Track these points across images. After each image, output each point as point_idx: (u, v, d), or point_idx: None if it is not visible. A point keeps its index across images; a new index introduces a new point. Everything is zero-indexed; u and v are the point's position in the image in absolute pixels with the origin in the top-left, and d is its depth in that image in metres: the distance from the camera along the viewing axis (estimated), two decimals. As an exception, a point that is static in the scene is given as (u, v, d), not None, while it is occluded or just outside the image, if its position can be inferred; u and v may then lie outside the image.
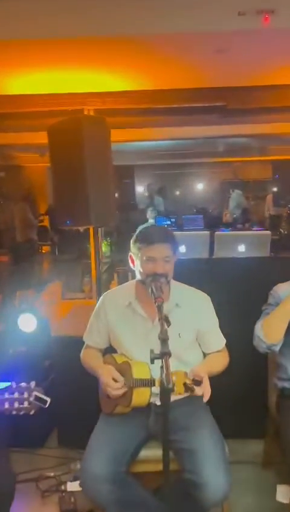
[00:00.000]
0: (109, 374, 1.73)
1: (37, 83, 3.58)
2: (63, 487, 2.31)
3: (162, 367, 1.32)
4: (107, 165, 2.69)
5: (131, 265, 1.83)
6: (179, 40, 3.05)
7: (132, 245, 1.80)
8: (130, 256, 1.83)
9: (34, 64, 3.10)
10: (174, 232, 1.95)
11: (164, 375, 1.29)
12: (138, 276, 1.80)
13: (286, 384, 2.05)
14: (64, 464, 2.53)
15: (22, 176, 9.82)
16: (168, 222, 6.49)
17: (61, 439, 2.72)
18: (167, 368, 1.30)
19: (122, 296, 1.89)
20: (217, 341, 1.94)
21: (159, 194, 8.99)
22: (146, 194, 9.37)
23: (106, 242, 6.71)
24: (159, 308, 1.52)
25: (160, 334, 1.39)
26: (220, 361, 1.90)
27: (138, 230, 1.83)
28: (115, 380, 1.71)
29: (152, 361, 1.35)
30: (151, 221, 6.93)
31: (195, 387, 1.56)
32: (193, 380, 1.56)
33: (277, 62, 3.49)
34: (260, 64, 3.54)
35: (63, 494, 2.23)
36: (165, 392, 1.30)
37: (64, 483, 2.34)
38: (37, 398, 1.50)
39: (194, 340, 1.90)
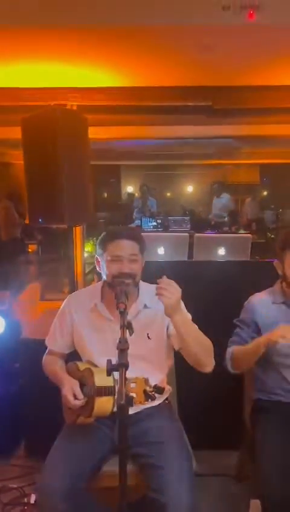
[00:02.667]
0: (71, 389, 1.62)
1: (13, 75, 3.44)
2: (26, 500, 2.20)
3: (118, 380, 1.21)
4: (84, 162, 2.58)
5: (97, 267, 1.74)
6: (163, 35, 2.94)
7: (97, 247, 1.71)
8: (96, 258, 1.74)
9: (8, 54, 2.97)
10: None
11: (118, 390, 1.18)
12: (104, 278, 1.71)
13: (261, 396, 1.95)
14: (30, 474, 2.41)
15: (8, 172, 9.65)
16: (154, 223, 6.38)
17: (29, 448, 2.59)
18: (121, 382, 1.19)
19: (88, 297, 1.79)
20: None
21: (151, 195, 8.90)
22: (137, 194, 9.25)
23: (92, 242, 6.60)
24: (122, 314, 1.42)
25: (118, 343, 1.28)
26: (201, 334, 1.71)
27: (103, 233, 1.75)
28: (76, 397, 1.61)
29: (108, 373, 1.25)
30: (137, 222, 6.83)
31: (156, 394, 1.44)
32: (154, 386, 1.45)
33: (263, 62, 3.40)
34: (246, 64, 3.44)
35: (25, 507, 2.12)
36: (120, 408, 1.19)
37: (28, 495, 2.22)
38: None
39: (164, 338, 1.78)
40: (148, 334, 1.72)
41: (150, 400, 1.37)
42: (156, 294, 1.57)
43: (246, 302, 1.99)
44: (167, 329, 1.75)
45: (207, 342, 1.70)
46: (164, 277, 1.60)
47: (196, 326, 1.74)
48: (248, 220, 7.84)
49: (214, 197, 8.18)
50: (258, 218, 7.91)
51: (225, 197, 8.00)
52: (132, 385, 1.35)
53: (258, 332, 1.91)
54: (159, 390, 1.41)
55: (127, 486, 1.39)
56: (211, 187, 8.95)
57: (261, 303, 1.94)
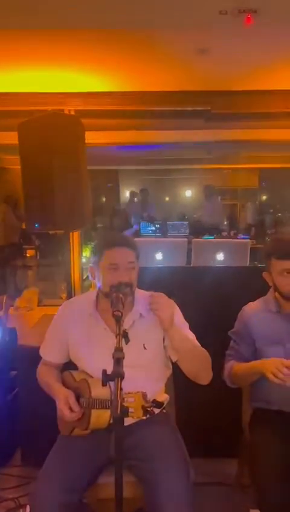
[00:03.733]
0: (66, 402, 1.58)
1: (10, 80, 3.43)
2: (21, 510, 2.16)
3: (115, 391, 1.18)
4: (81, 167, 2.56)
5: (90, 277, 1.69)
6: (161, 40, 2.94)
7: (91, 255, 1.67)
8: (90, 268, 1.69)
9: (5, 59, 2.96)
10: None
11: (113, 401, 1.15)
12: (99, 287, 1.67)
13: (261, 405, 1.92)
14: (27, 484, 2.37)
15: (4, 177, 9.64)
16: (153, 228, 6.36)
17: (25, 457, 2.55)
18: (117, 394, 1.15)
19: (83, 306, 1.75)
20: None
21: (147, 199, 8.86)
22: (136, 199, 9.20)
23: (90, 247, 6.58)
24: (117, 322, 1.38)
25: (114, 352, 1.25)
26: (198, 346, 1.69)
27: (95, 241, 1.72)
28: (72, 409, 1.57)
29: (104, 384, 1.21)
30: (135, 227, 6.81)
31: (153, 408, 1.40)
32: (153, 401, 1.41)
33: (261, 66, 3.40)
34: (244, 68, 3.44)
35: (21, 518, 2.08)
36: (116, 420, 1.15)
37: (24, 506, 2.18)
38: None
39: (161, 349, 1.74)
40: (144, 344, 1.67)
41: (148, 415, 1.34)
42: (151, 309, 1.56)
43: (239, 313, 1.95)
44: (164, 340, 1.72)
45: (204, 355, 1.67)
46: (151, 292, 1.60)
47: (194, 336, 1.71)
48: (247, 225, 7.83)
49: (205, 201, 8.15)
50: (257, 223, 7.89)
51: (213, 201, 7.95)
52: (130, 400, 1.31)
53: (253, 343, 1.88)
54: (157, 404, 1.38)
55: (123, 498, 1.36)
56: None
57: (255, 313, 1.91)
